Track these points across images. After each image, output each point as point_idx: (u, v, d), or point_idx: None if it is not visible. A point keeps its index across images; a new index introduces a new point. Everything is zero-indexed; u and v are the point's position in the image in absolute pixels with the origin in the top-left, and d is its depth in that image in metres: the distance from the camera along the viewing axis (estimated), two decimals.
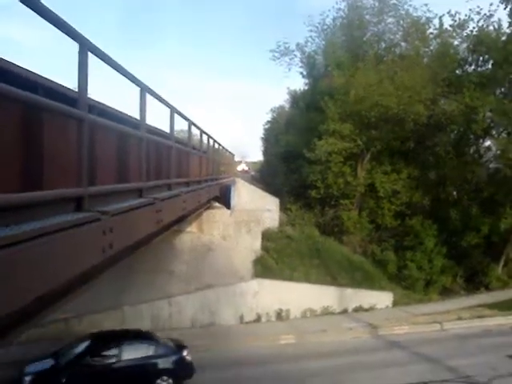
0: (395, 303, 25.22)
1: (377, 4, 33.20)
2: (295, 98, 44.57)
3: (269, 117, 58.83)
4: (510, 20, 27.68)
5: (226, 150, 29.57)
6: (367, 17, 33.74)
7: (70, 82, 5.91)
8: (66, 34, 4.60)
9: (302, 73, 38.98)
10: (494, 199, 29.77)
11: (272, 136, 50.33)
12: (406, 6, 32.60)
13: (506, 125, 29.05)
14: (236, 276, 22.38)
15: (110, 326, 19.17)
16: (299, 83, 61.70)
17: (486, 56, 30.04)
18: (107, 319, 19.42)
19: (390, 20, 33.41)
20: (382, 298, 25.00)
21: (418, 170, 31.80)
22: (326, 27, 35.63)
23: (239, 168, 51.22)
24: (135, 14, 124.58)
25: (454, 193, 33.29)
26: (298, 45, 36.84)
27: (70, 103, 4.88)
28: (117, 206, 6.01)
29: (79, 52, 4.95)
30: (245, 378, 15.91)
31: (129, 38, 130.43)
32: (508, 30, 28.34)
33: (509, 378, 16.18)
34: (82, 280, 6.36)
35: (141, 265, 17.40)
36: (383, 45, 34.73)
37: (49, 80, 5.46)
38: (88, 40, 5.00)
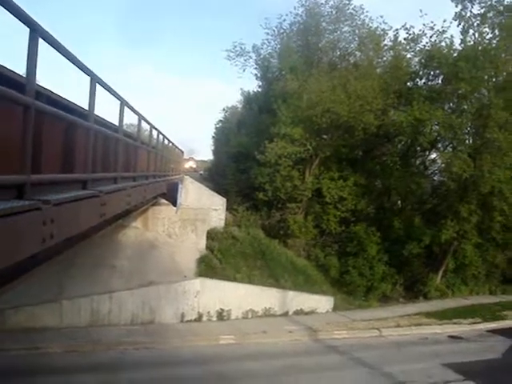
0: (336, 308, 25.49)
1: (334, 12, 33.53)
2: (248, 99, 44.57)
3: (221, 116, 58.72)
4: (462, 37, 28.41)
5: (176, 147, 29.41)
6: (324, 24, 34.05)
7: (19, 67, 5.79)
8: (18, 17, 4.50)
9: (256, 74, 39.04)
10: (436, 211, 30.50)
11: (223, 136, 50.18)
12: (362, 17, 33.10)
13: (452, 139, 29.78)
14: (179, 274, 22.24)
15: (48, 319, 18.84)
16: (253, 85, 61.97)
17: (437, 71, 30.70)
18: (45, 312, 19.00)
19: (345, 29, 33.83)
20: (322, 303, 25.25)
21: (364, 178, 32.26)
22: (282, 31, 35.81)
23: (186, 165, 48.88)
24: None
25: (399, 202, 33.97)
26: (253, 47, 36.93)
27: (17, 88, 4.77)
28: (59, 196, 5.90)
29: (30, 37, 4.85)
30: (182, 377, 15.80)
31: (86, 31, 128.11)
32: (459, 47, 29.08)
33: None
34: (20, 270, 6.23)
35: (82, 258, 17.08)
36: (338, 52, 35.11)
37: None
38: (39, 25, 4.91)
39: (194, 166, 72.79)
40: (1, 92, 4.34)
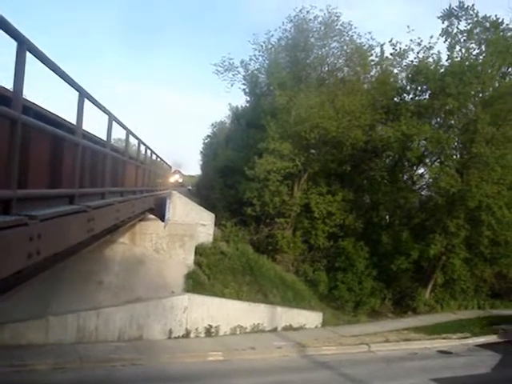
0: (324, 323, 25.40)
1: (322, 28, 33.66)
2: (236, 114, 44.67)
3: (209, 131, 58.79)
4: (448, 53, 28.72)
5: (164, 162, 29.36)
6: (312, 40, 34.18)
7: (6, 81, 5.75)
8: (4, 30, 4.47)
9: (244, 90, 39.00)
10: (424, 225, 30.57)
11: (211, 151, 50.23)
12: (350, 33, 33.24)
13: (439, 154, 29.99)
14: (167, 290, 22.10)
15: (35, 335, 18.62)
16: (241, 100, 62.10)
17: (424, 86, 30.95)
18: (31, 328, 18.78)
19: (334, 44, 33.96)
20: (311, 318, 25.16)
21: (352, 192, 32.32)
22: (270, 47, 35.83)
23: (172, 179, 44.67)
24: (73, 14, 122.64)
25: (387, 217, 34.03)
26: (242, 62, 36.92)
27: (4, 103, 4.72)
28: (46, 211, 5.83)
29: (17, 50, 4.82)
30: None
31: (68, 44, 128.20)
32: (446, 63, 29.35)
33: None
34: (6, 286, 6.14)
35: (69, 274, 16.93)
36: (326, 68, 35.24)
37: None
38: (27, 38, 4.88)
39: (181, 180, 67.36)
40: None
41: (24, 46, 4.87)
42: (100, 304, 20.30)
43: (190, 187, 61.26)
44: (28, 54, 5.00)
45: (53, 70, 6.02)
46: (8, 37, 4.59)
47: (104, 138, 10.62)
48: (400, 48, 30.99)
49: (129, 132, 13.25)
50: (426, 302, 29.77)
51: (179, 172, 67.85)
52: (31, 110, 6.21)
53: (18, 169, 4.91)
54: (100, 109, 9.20)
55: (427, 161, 32.23)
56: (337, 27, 33.44)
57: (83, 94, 7.57)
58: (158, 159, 24.47)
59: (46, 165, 6.63)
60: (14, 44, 4.79)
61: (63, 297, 19.15)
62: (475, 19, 27.82)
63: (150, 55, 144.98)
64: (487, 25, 27.87)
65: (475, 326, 26.09)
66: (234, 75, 37.06)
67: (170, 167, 37.19)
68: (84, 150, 8.10)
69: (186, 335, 21.70)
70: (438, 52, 29.70)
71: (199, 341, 21.55)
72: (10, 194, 4.81)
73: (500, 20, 27.96)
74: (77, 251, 9.53)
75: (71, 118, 7.99)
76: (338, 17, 33.26)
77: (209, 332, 22.13)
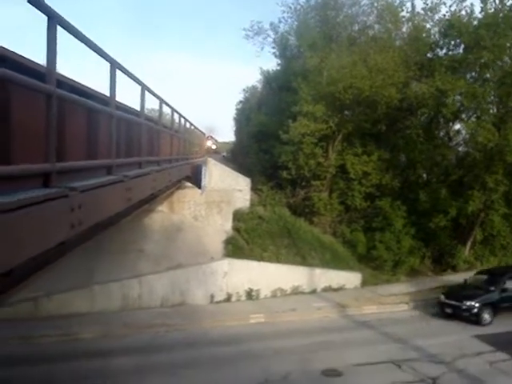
0: (364, 283, 25.54)
1: None
2: (268, 78, 44.28)
3: (241, 97, 58.45)
4: (482, 5, 27.84)
5: (198, 130, 29.44)
6: None
7: (40, 57, 5.82)
8: (35, 6, 4.53)
9: (274, 53, 38.69)
10: (462, 182, 30.14)
11: (244, 116, 49.99)
12: None
13: (475, 109, 29.34)
14: (206, 256, 22.42)
15: (80, 305, 19.18)
16: (272, 63, 61.52)
17: (458, 40, 30.10)
18: (76, 298, 19.35)
19: (364, 2, 33.37)
20: (350, 279, 25.30)
21: (388, 152, 31.93)
22: (299, 7, 35.37)
23: (206, 145, 42.13)
24: None
25: (424, 175, 33.59)
26: (271, 24, 36.58)
27: (39, 78, 4.81)
28: (85, 182, 5.95)
29: (48, 25, 4.87)
30: (215, 356, 15.99)
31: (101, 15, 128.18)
32: (480, 15, 28.50)
33: (474, 356, 16.51)
34: (50, 257, 6.32)
35: (110, 243, 17.28)
36: (357, 27, 34.60)
37: (17, 54, 5.36)
38: (57, 13, 4.92)
39: (214, 146, 63.25)
40: (22, 82, 4.38)
41: (55, 21, 4.92)
42: (142, 272, 20.75)
43: (224, 154, 61.16)
44: (59, 29, 5.05)
45: (84, 43, 6.07)
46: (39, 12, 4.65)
47: (138, 108, 10.71)
48: (432, 2, 30.26)
49: (162, 101, 13.32)
50: (466, 259, 29.52)
51: (212, 138, 63.82)
52: (65, 83, 6.30)
53: (56, 142, 5.02)
54: (132, 79, 9.25)
55: (463, 116, 31.59)
56: None
57: (115, 65, 7.63)
58: (192, 127, 24.53)
59: (83, 137, 6.73)
60: (44, 19, 4.84)
61: (106, 266, 19.62)
62: None
63: (176, 24, 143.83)
64: None
65: None
66: (263, 39, 36.85)
67: (204, 134, 37.14)
68: (119, 121, 8.18)
69: (228, 299, 22.08)
70: (471, 4, 28.85)
71: (240, 304, 21.90)
72: (50, 167, 4.93)
73: None
74: (116, 221, 9.72)
75: (105, 90, 8.07)
76: None
77: (249, 295, 22.46)
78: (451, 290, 22.75)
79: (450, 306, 21.23)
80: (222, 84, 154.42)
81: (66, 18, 5.19)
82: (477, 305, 20.50)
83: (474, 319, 20.44)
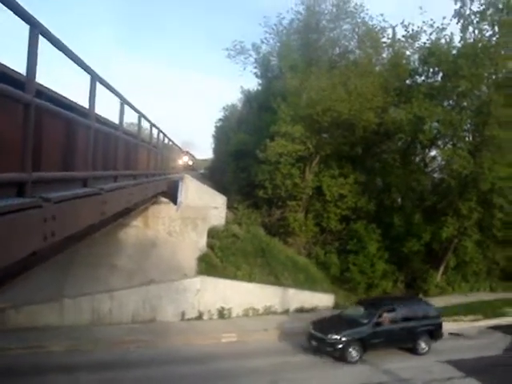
0: (336, 305, 25.49)
1: (334, 10, 33.54)
2: (248, 97, 44.57)
3: (221, 115, 58.76)
4: (461, 35, 28.35)
5: (176, 146, 29.42)
6: (324, 22, 34.05)
7: (19, 65, 5.79)
8: (17, 15, 4.51)
9: (256, 73, 38.97)
10: (436, 208, 30.47)
11: (223, 134, 50.19)
12: (362, 14, 33.06)
13: (452, 136, 29.75)
14: (179, 272, 22.26)
15: (49, 318, 18.90)
16: (253, 83, 61.97)
17: (437, 68, 30.59)
18: (46, 311, 19.09)
19: (345, 27, 33.82)
20: (323, 300, 25.28)
21: (364, 175, 32.20)
22: (282, 29, 35.74)
23: (180, 161, 37.90)
24: None
25: (399, 200, 33.91)
26: (253, 45, 36.90)
27: (18, 86, 4.78)
28: (60, 193, 5.90)
29: (29, 34, 4.86)
30: (185, 375, 15.86)
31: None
32: (459, 45, 29.00)
33: (445, 382, 16.56)
34: (21, 269, 6.24)
35: (83, 257, 17.15)
36: (338, 50, 35.10)
37: None
38: (39, 22, 4.91)
39: (191, 162, 59.15)
40: (1, 90, 4.34)
41: (36, 30, 4.90)
42: (114, 287, 20.54)
43: (202, 171, 61.10)
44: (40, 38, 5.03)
45: (65, 54, 6.05)
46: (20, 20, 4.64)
47: (116, 121, 10.69)
48: (412, 30, 30.82)
49: (141, 115, 13.31)
50: (438, 284, 29.75)
51: (189, 154, 59.80)
52: (44, 93, 6.27)
53: (32, 152, 4.97)
54: (112, 92, 9.24)
55: (439, 143, 32.01)
56: (348, 9, 33.35)
57: (95, 78, 7.61)
58: (170, 143, 24.51)
59: (60, 148, 6.68)
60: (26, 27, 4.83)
61: (77, 280, 19.40)
62: (488, 0, 27.45)
63: (161, 38, 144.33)
64: (500, 6, 27.46)
65: (487, 309, 26.04)
66: (245, 58, 37.17)
67: (181, 150, 36.99)
68: (97, 133, 8.16)
69: (199, 317, 21.92)
70: (451, 34, 29.39)
71: (212, 323, 21.76)
72: (25, 176, 4.88)
73: None
74: (90, 234, 9.64)
75: (84, 102, 8.04)
76: None
77: (221, 314, 22.33)
78: (321, 320, 19.99)
79: (315, 339, 18.60)
80: (203, 100, 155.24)
81: (48, 27, 5.17)
82: (343, 339, 18.03)
83: (339, 355, 18.01)
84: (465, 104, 29.59)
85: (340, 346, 17.96)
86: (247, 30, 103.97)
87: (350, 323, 19.11)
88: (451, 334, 22.54)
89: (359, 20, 33.17)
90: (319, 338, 18.38)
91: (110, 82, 8.67)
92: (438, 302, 24.25)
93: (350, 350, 18.01)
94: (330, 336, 18.10)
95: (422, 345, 19.55)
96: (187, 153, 55.94)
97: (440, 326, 20.20)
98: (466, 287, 30.80)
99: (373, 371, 17.25)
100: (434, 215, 29.82)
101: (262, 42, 36.66)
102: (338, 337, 18.08)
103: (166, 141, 22.09)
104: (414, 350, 19.42)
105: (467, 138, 29.97)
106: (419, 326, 19.62)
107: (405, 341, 19.44)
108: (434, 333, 19.96)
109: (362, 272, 27.84)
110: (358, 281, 27.63)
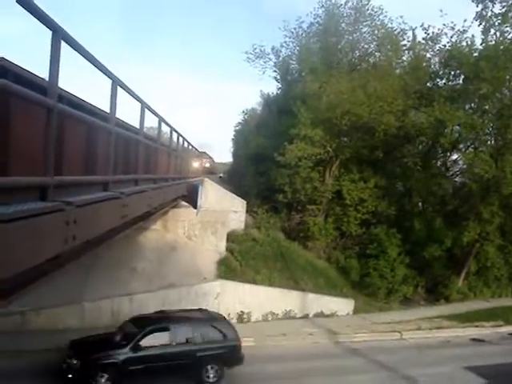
0: (356, 310, 25.39)
1: (353, 13, 33.45)
2: (268, 101, 44.61)
3: (240, 118, 58.83)
4: (483, 37, 28.07)
5: (196, 150, 29.49)
6: (343, 25, 33.98)
7: (43, 71, 5.84)
8: (40, 20, 4.54)
9: (275, 77, 38.98)
10: (458, 212, 30.24)
11: (242, 138, 50.19)
12: (381, 17, 32.92)
13: (474, 139, 29.54)
14: (199, 276, 22.29)
15: (69, 321, 18.99)
16: (272, 87, 61.98)
17: (458, 71, 30.36)
18: (66, 314, 19.19)
19: (365, 29, 33.69)
20: (343, 305, 25.16)
21: (385, 179, 32.02)
22: (301, 33, 35.74)
23: (195, 164, 31.70)
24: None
25: (420, 204, 33.70)
26: (273, 49, 36.92)
27: (41, 92, 4.82)
28: (82, 197, 5.94)
29: (52, 40, 4.89)
30: None
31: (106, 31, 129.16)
32: (480, 47, 28.73)
33: None
34: (42, 272, 6.28)
35: (103, 260, 17.19)
36: (357, 53, 35.00)
37: (18, 66, 5.38)
38: (62, 28, 4.94)
39: (208, 165, 53.64)
40: (24, 95, 4.38)
41: (59, 35, 4.94)
42: (133, 290, 20.59)
43: (221, 174, 61.07)
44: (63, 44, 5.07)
45: (87, 59, 6.09)
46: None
47: (137, 125, 10.73)
48: (433, 32, 30.47)
49: (161, 119, 13.35)
50: (459, 289, 29.48)
51: (207, 156, 55.46)
52: (66, 98, 6.31)
53: (55, 156, 5.01)
54: (132, 96, 9.28)
55: (461, 147, 31.79)
56: (368, 12, 33.22)
57: (116, 82, 7.65)
58: (190, 147, 24.57)
59: (81, 152, 6.73)
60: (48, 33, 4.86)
61: (98, 283, 19.47)
62: (510, 2, 27.09)
63: (181, 43, 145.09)
64: None
65: (509, 314, 25.73)
66: (265, 62, 37.12)
67: (201, 153, 36.98)
68: (117, 137, 8.20)
69: None
70: (472, 36, 29.12)
71: None
72: (47, 180, 4.92)
73: None
74: (111, 238, 9.68)
75: (105, 107, 8.08)
76: (368, 1, 33.01)
77: (241, 318, 22.29)
78: (84, 339, 15.94)
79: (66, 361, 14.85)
80: (223, 104, 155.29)
81: (70, 33, 5.20)
82: (89, 364, 14.57)
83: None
84: (486, 107, 29.33)
85: (85, 371, 14.47)
86: (266, 35, 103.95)
87: (109, 344, 15.45)
88: (473, 339, 22.34)
89: (378, 23, 33.02)
90: (65, 361, 14.81)
91: (130, 87, 8.71)
92: (460, 307, 24.07)
93: (99, 378, 14.43)
94: (68, 360, 14.69)
95: (211, 373, 15.87)
96: (205, 154, 53.09)
97: (238, 348, 16.46)
98: (488, 293, 30.49)
99: None
100: (456, 220, 29.58)
101: (282, 46, 36.71)
102: (75, 361, 14.52)
103: (186, 144, 22.13)
104: (199, 381, 15.83)
105: (489, 142, 29.75)
106: (205, 349, 15.93)
107: (185, 369, 15.61)
108: (229, 358, 16.23)
109: (382, 277, 27.68)
110: (378, 286, 27.47)
